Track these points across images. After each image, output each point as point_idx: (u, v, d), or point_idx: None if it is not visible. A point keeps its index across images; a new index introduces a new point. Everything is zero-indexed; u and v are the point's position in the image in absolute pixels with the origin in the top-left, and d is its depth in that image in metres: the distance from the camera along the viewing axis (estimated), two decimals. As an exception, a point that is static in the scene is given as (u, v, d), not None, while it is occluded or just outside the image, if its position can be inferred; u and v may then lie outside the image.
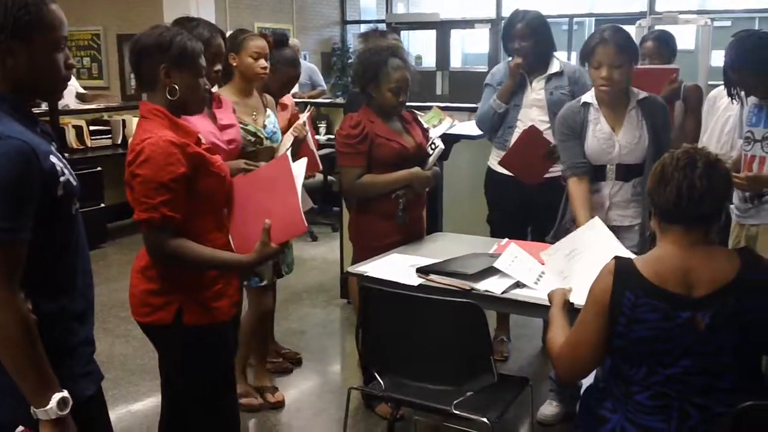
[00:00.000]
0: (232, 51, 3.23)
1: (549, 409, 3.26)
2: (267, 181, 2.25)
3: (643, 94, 3.05)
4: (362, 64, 3.24)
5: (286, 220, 2.12)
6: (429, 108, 4.36)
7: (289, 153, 2.42)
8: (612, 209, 3.09)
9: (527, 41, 3.60)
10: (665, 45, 3.97)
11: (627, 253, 2.46)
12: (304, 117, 3.54)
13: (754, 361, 1.98)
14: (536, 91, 3.66)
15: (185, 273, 2.14)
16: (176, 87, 2.11)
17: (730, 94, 3.17)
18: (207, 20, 3.02)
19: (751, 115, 3.12)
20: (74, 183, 1.69)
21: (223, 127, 2.99)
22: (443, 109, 4.44)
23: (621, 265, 1.94)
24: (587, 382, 2.36)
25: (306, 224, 2.13)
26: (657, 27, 4.90)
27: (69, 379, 1.66)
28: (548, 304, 2.35)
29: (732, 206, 3.11)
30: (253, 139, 3.23)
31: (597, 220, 2.85)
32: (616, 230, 2.94)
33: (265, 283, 3.37)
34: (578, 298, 2.27)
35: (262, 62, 3.26)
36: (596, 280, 1.97)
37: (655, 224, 1.99)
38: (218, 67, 2.92)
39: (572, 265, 2.62)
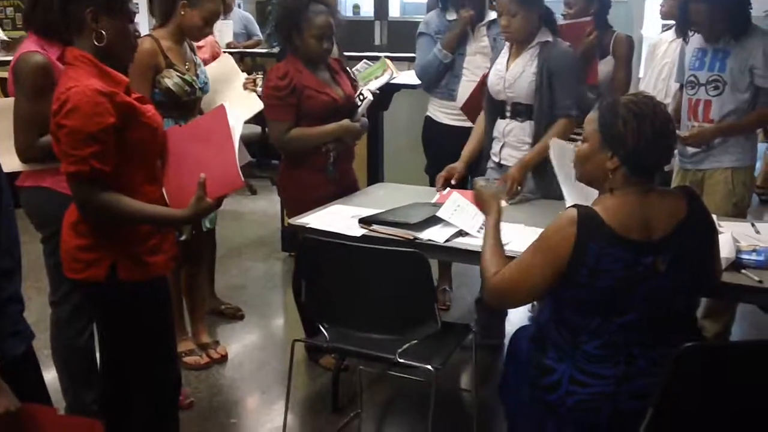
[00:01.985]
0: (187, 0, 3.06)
1: None
2: (203, 133, 2.16)
3: (548, 38, 3.06)
4: (283, 11, 3.15)
5: (222, 174, 2.04)
6: (370, 59, 4.28)
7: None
8: (505, 147, 3.18)
9: None
10: None
11: None
12: (233, 64, 3.46)
13: (696, 303, 2.05)
14: (480, 39, 3.63)
15: (118, 227, 2.06)
16: (103, 33, 1.99)
17: (683, 33, 3.20)
18: None
19: (694, 59, 3.16)
20: None
21: None
22: (377, 58, 4.37)
23: (584, 215, 1.89)
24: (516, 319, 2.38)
25: (243, 179, 2.06)
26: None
27: None
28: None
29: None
30: (188, 89, 3.11)
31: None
32: (507, 169, 3.08)
33: (184, 237, 3.23)
34: (517, 245, 2.29)
35: (209, 28, 3.17)
36: (554, 229, 1.92)
37: (616, 178, 1.93)
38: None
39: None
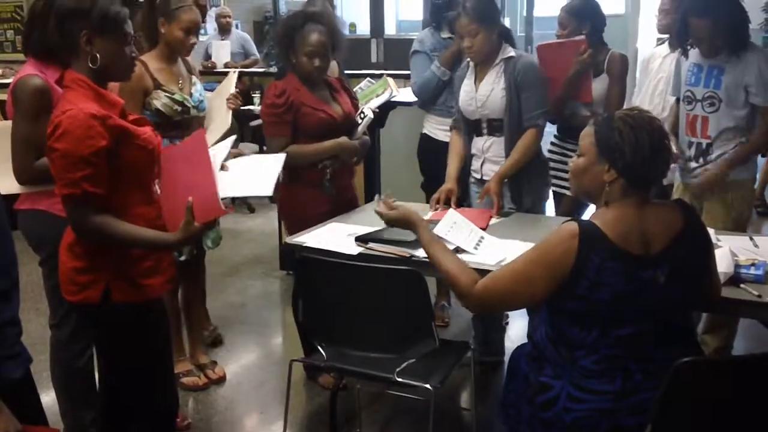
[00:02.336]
0: (164, 17, 3.10)
1: None
2: (187, 156, 2.13)
3: (510, 53, 3.11)
4: (281, 29, 3.18)
5: (205, 200, 2.01)
6: (370, 77, 4.27)
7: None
8: (486, 163, 3.23)
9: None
10: (574, 16, 3.61)
11: None
12: (232, 81, 3.43)
13: (693, 316, 2.04)
14: None
15: (112, 249, 2.05)
16: (97, 55, 2.00)
17: (682, 47, 3.20)
18: None
19: (690, 74, 3.16)
20: None
21: None
22: (379, 76, 4.38)
23: (586, 228, 1.89)
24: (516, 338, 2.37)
25: (223, 207, 2.02)
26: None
27: None
28: (489, 267, 2.35)
29: (674, 165, 3.18)
30: (179, 108, 3.11)
31: None
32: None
33: (184, 258, 3.25)
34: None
35: (193, 38, 3.14)
36: (554, 242, 1.91)
37: (614, 190, 1.94)
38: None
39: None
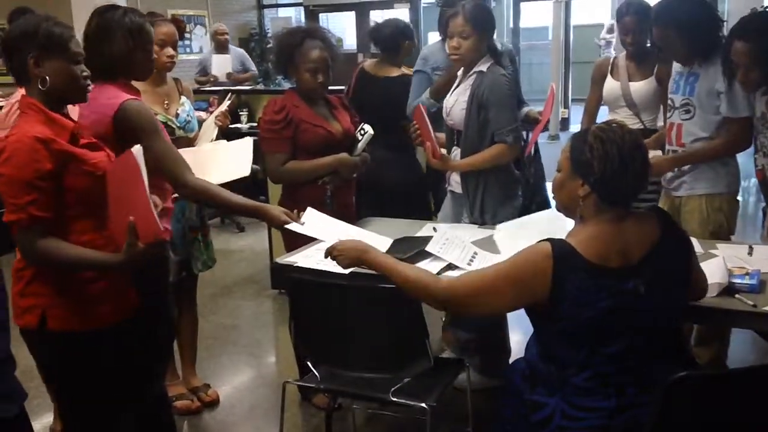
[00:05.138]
0: None
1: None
2: (121, 177, 2.04)
3: (482, 67, 3.09)
4: (279, 46, 3.17)
5: (143, 221, 1.94)
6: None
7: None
8: (453, 174, 3.26)
9: None
10: (645, 18, 3.45)
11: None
12: (224, 106, 3.41)
13: (680, 325, 2.03)
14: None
15: (52, 274, 2.01)
16: (47, 77, 1.98)
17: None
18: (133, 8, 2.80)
19: (673, 82, 3.15)
20: None
21: None
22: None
23: (559, 249, 1.87)
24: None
25: (161, 227, 1.97)
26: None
27: None
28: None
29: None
30: None
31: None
32: (456, 196, 3.24)
33: (171, 280, 3.18)
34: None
35: (169, 50, 3.09)
36: (526, 261, 1.89)
37: (587, 205, 1.92)
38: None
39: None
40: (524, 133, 3.40)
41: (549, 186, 3.21)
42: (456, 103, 3.15)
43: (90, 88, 2.11)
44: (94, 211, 2.06)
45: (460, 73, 3.25)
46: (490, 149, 3.07)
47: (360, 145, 3.18)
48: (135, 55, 2.43)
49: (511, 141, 3.05)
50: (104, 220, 2.08)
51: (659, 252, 1.91)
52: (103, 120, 2.30)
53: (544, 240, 1.92)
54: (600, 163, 1.86)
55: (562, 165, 1.98)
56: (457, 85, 3.21)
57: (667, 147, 3.16)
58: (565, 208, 2.03)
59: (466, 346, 3.47)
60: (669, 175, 3.15)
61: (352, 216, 3.33)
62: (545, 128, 3.85)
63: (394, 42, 3.98)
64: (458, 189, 3.23)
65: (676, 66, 3.16)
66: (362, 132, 3.20)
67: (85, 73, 2.08)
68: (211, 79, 7.50)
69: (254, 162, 3.03)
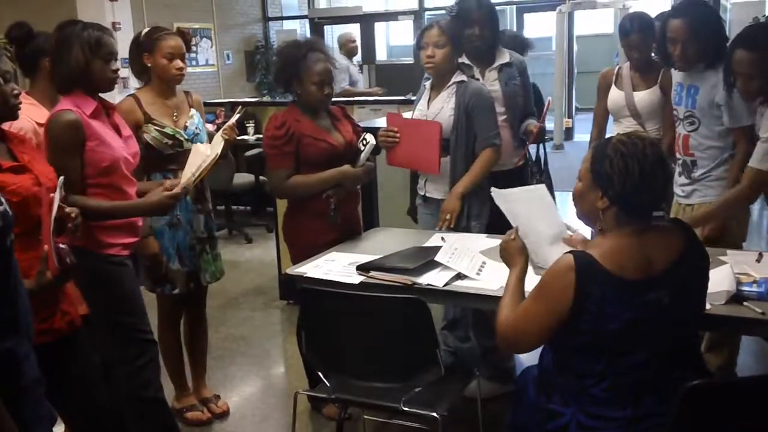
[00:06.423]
0: (146, 51, 3.11)
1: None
2: (48, 203, 1.98)
3: (462, 78, 3.24)
4: (282, 61, 3.19)
5: (49, 253, 1.89)
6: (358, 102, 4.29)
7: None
8: (428, 182, 3.37)
9: (485, 29, 3.45)
10: (651, 32, 3.49)
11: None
12: (233, 119, 3.43)
13: (697, 336, 2.03)
14: (490, 83, 3.49)
15: None
16: None
17: (665, 63, 3.21)
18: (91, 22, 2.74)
19: (675, 93, 3.17)
20: (10, 213, 1.57)
21: (126, 139, 2.75)
22: (372, 102, 4.39)
23: (582, 261, 1.86)
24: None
25: (57, 264, 1.91)
26: (630, 9, 4.54)
27: (20, 425, 1.54)
28: (492, 293, 2.34)
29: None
30: (170, 141, 3.10)
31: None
32: (432, 201, 3.33)
33: (177, 291, 3.21)
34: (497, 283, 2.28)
35: (178, 62, 3.11)
36: (553, 276, 1.89)
37: (607, 217, 1.93)
38: (115, 66, 2.70)
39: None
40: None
41: (558, 195, 3.29)
42: (442, 111, 3.23)
43: (20, 105, 2.09)
44: (18, 234, 1.93)
45: (428, 84, 3.36)
46: (483, 157, 3.20)
47: (363, 156, 3.18)
48: (93, 66, 2.53)
49: (498, 143, 3.23)
50: (30, 242, 1.99)
51: (683, 264, 1.91)
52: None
53: (566, 253, 1.93)
54: (620, 178, 1.86)
55: (583, 175, 1.98)
56: (430, 97, 3.31)
57: (677, 156, 3.18)
58: (585, 217, 2.04)
59: (461, 352, 3.49)
60: (681, 180, 3.16)
61: (357, 225, 3.35)
62: (549, 138, 3.88)
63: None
64: (436, 195, 3.31)
65: (675, 76, 3.18)
66: (364, 142, 3.20)
67: (15, 92, 2.05)
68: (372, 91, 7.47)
69: (262, 175, 3.04)
